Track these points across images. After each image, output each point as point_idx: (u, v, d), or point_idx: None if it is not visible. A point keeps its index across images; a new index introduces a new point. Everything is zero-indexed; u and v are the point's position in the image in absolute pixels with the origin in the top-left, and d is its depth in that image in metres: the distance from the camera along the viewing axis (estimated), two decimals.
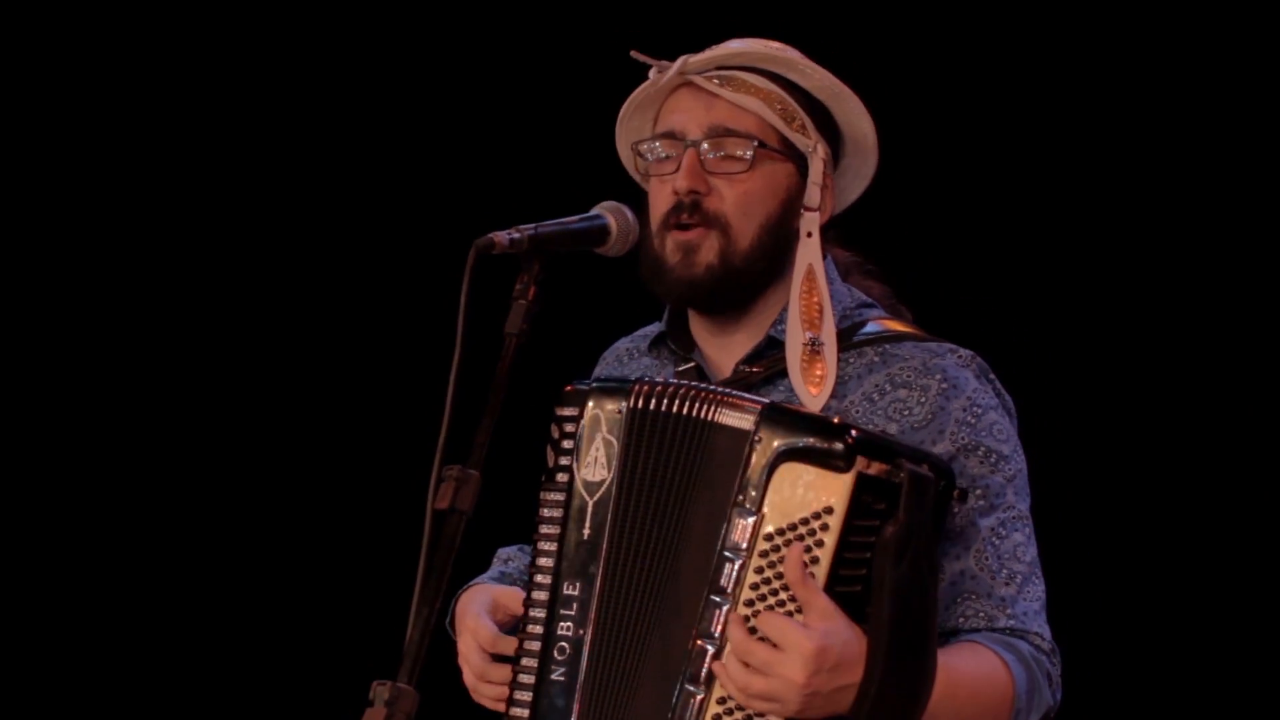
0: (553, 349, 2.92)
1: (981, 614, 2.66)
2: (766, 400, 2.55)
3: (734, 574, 2.48)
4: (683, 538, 2.55)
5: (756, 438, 2.50)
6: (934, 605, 2.50)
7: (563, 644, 2.62)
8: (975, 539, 2.68)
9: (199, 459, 5.66)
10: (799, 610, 2.45)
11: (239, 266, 5.60)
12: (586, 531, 2.63)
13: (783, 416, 2.52)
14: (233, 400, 5.61)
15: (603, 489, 2.62)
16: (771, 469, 2.48)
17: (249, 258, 5.59)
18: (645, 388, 2.62)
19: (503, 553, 3.03)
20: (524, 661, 2.66)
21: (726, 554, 2.49)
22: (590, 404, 2.65)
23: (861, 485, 2.44)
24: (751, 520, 2.48)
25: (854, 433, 2.47)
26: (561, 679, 2.61)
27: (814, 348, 2.74)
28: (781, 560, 2.46)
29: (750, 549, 2.48)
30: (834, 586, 2.45)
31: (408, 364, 4.96)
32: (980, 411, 2.72)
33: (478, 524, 2.46)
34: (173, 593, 5.72)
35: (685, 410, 2.58)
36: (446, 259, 2.72)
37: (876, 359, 2.78)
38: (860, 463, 2.44)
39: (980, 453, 2.71)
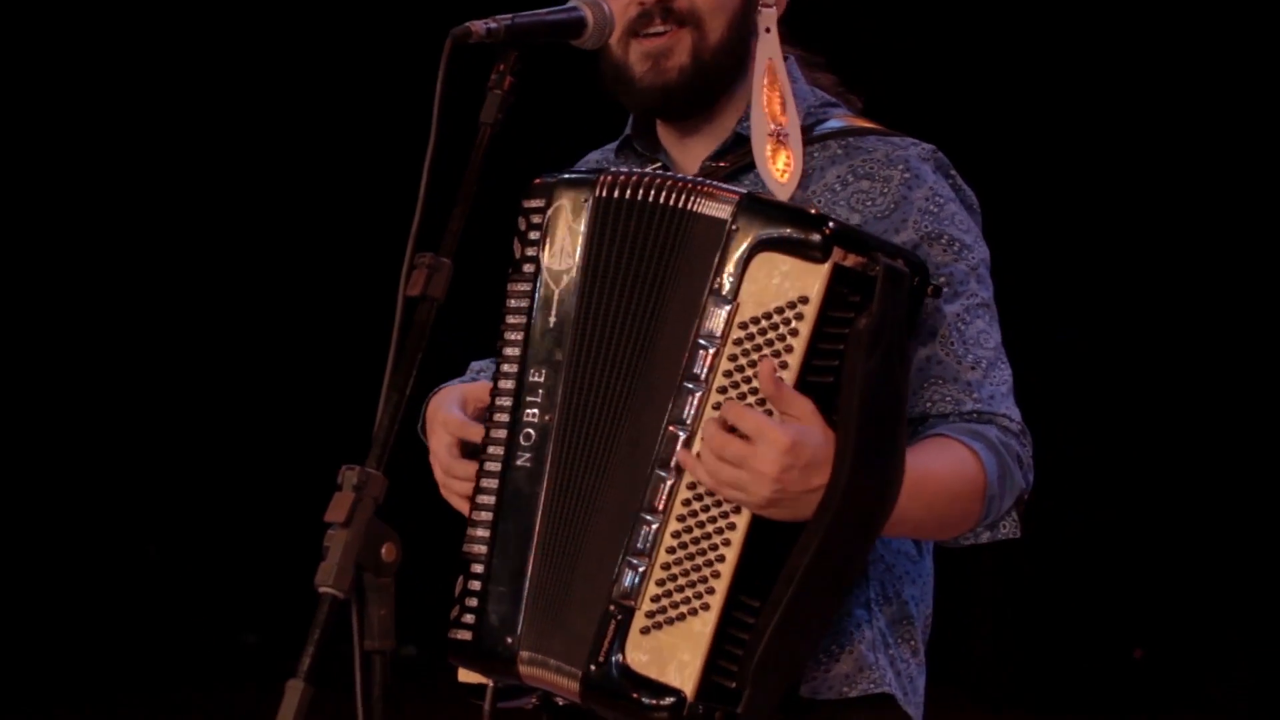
0: (529, 143, 2.92)
1: (949, 398, 2.68)
2: (744, 190, 2.56)
3: (708, 361, 2.50)
4: (655, 326, 2.57)
5: (734, 227, 2.52)
6: (904, 402, 2.52)
7: (529, 430, 2.64)
8: (941, 325, 2.70)
9: (186, 252, 5.67)
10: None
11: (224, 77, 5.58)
12: (553, 319, 2.64)
13: (761, 206, 2.54)
14: (212, 191, 5.62)
15: (569, 276, 2.64)
16: (748, 258, 2.50)
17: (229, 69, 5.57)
18: (610, 177, 2.64)
19: (475, 365, 3.04)
20: (490, 450, 2.68)
21: (701, 342, 2.51)
22: (556, 195, 2.67)
23: (837, 276, 2.46)
24: (727, 309, 2.50)
25: (831, 224, 2.48)
26: (528, 464, 2.64)
27: (779, 139, 2.74)
28: (755, 349, 2.48)
29: (725, 337, 2.50)
30: (806, 377, 2.47)
31: (384, 152, 4.96)
32: (942, 202, 2.73)
33: (447, 317, 2.47)
34: (156, 384, 5.74)
35: (658, 198, 2.60)
36: (424, 49, 2.71)
37: (840, 151, 2.78)
38: (837, 254, 2.46)
39: (944, 241, 2.72)
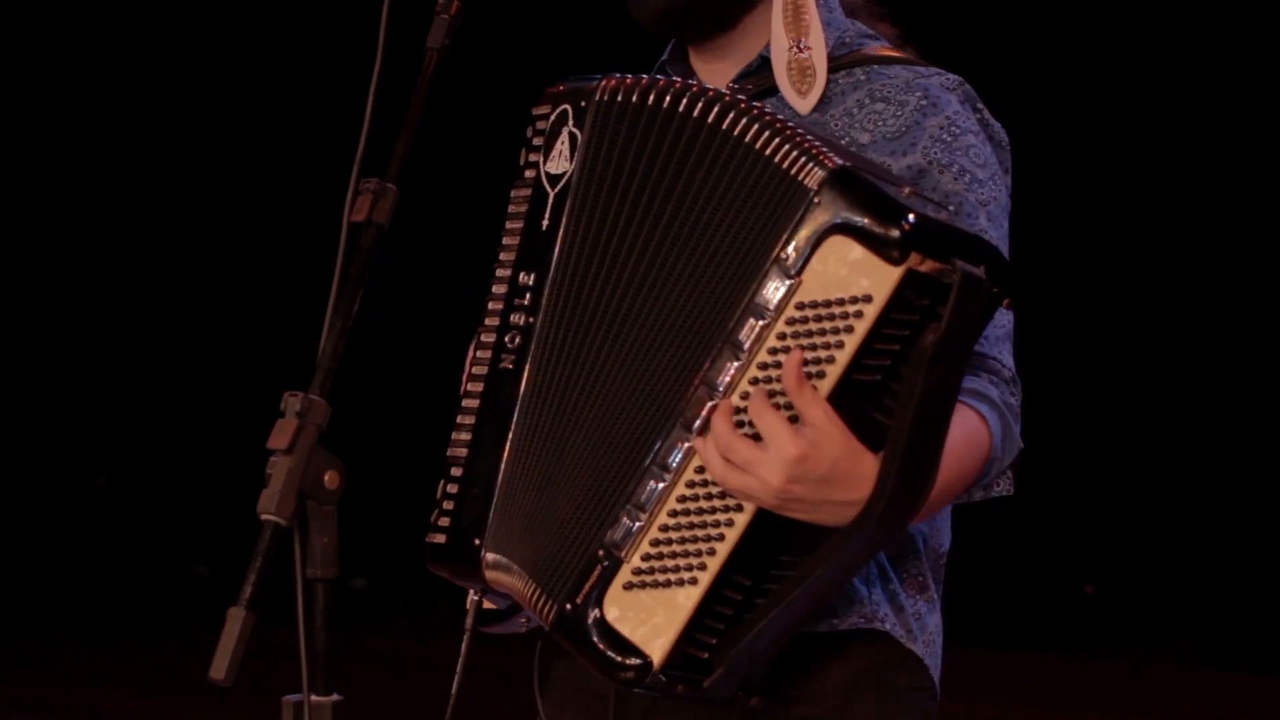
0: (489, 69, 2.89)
1: None
2: (843, 162, 2.39)
3: (756, 332, 2.37)
4: (681, 246, 2.47)
5: (816, 200, 2.36)
6: (951, 414, 2.40)
7: (514, 332, 2.57)
8: None
9: (132, 183, 5.64)
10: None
11: None
12: (545, 222, 2.57)
13: (850, 184, 2.36)
14: (155, 119, 5.59)
15: (564, 180, 2.57)
16: (821, 237, 2.35)
17: None
18: (615, 81, 2.56)
19: None
20: (479, 354, 2.62)
21: (754, 309, 2.38)
22: (561, 100, 2.60)
23: (908, 281, 2.31)
24: (789, 283, 2.36)
25: (912, 219, 2.31)
26: (509, 366, 2.57)
27: (801, 57, 2.68)
28: (808, 335, 2.35)
29: (779, 312, 2.36)
30: (852, 374, 2.34)
31: (330, 76, 4.93)
32: (958, 132, 2.65)
33: (394, 238, 2.46)
34: (104, 313, 5.71)
35: (677, 106, 2.50)
36: None
37: (863, 77, 2.71)
38: (914, 259, 2.30)
39: (954, 170, 2.63)
